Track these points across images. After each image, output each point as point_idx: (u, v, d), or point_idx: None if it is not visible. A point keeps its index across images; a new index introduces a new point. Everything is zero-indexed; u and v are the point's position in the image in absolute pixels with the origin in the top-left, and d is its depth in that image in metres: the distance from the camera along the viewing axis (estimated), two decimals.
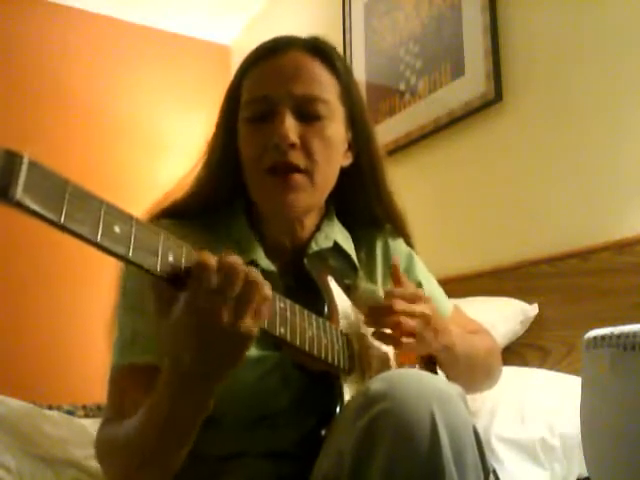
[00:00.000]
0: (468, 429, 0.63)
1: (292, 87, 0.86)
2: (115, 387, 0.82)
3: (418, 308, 0.84)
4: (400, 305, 0.83)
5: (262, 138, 0.86)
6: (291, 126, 0.84)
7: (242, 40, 3.79)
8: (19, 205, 0.47)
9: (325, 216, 0.97)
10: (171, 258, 0.59)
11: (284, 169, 0.84)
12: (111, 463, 0.77)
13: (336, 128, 0.89)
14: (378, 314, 0.84)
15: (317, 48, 0.91)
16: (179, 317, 0.61)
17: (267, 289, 0.64)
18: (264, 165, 0.85)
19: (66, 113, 3.29)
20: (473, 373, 1.00)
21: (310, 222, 0.93)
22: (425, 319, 0.84)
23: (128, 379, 0.80)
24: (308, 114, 0.86)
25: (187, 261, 0.60)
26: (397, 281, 0.89)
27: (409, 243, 1.06)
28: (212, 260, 0.60)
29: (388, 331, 0.84)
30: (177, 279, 0.59)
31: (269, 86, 0.87)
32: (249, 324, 0.62)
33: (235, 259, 0.61)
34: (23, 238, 2.83)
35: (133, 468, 0.72)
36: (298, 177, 0.85)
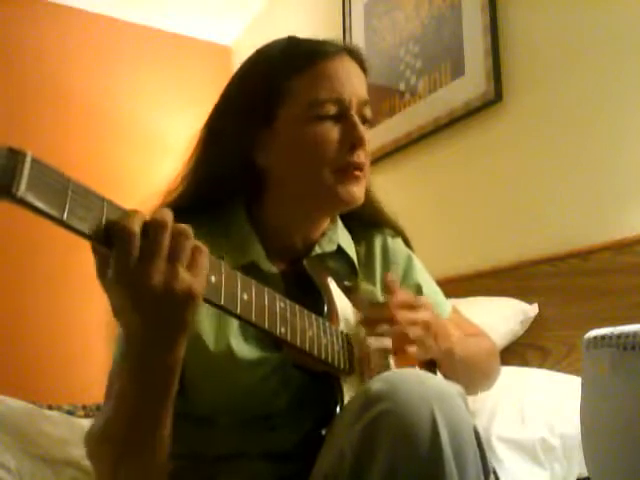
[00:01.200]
0: (469, 429, 0.63)
1: (357, 90, 0.90)
2: (113, 380, 0.82)
3: (419, 315, 0.84)
4: (402, 315, 0.83)
5: (336, 137, 0.88)
6: (364, 129, 0.89)
7: (243, 40, 3.79)
8: (22, 202, 0.47)
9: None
10: None
11: (354, 169, 0.88)
12: (97, 456, 0.76)
13: None
14: (380, 324, 0.84)
15: (357, 54, 0.94)
16: (111, 281, 0.58)
17: (198, 242, 0.61)
18: (337, 163, 0.88)
19: (66, 113, 3.29)
20: (472, 376, 1.00)
21: (326, 223, 0.96)
22: (426, 326, 0.84)
23: None
24: (365, 117, 0.91)
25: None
26: (390, 291, 0.88)
27: (407, 245, 1.06)
28: (135, 222, 0.56)
29: (389, 341, 0.83)
30: (109, 241, 0.56)
31: (338, 88, 0.89)
32: (185, 279, 0.58)
33: (162, 213, 0.58)
34: (23, 238, 2.84)
35: (116, 459, 0.70)
36: (361, 175, 0.90)
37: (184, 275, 0.58)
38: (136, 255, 0.56)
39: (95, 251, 0.59)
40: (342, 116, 0.88)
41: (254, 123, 0.90)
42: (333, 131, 0.88)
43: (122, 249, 0.56)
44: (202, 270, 0.61)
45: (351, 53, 0.93)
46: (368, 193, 0.98)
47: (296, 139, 0.89)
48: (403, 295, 0.87)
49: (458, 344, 0.91)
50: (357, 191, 0.89)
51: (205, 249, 0.62)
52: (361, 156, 0.89)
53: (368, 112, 0.92)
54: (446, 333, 0.89)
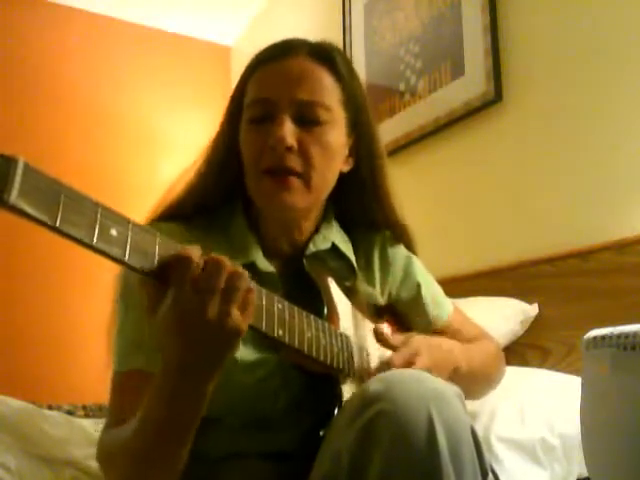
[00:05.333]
0: (466, 429, 0.63)
1: (294, 92, 0.86)
2: (117, 393, 0.82)
3: (418, 365, 0.82)
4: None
5: (261, 140, 0.86)
6: (289, 130, 0.84)
7: (242, 40, 3.79)
8: (14, 209, 0.47)
9: (324, 219, 0.97)
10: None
11: (280, 171, 0.85)
12: (113, 470, 0.77)
13: (336, 134, 0.89)
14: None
15: (322, 53, 0.91)
16: (165, 314, 0.60)
17: (251, 282, 0.63)
18: (261, 166, 0.86)
19: (66, 113, 3.29)
20: (475, 385, 1.01)
21: (307, 225, 0.94)
22: (428, 370, 0.83)
23: (131, 385, 0.79)
24: (308, 119, 0.87)
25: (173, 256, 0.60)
26: (386, 345, 0.87)
27: (410, 248, 1.06)
28: (195, 253, 0.60)
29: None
30: (163, 275, 0.59)
31: (271, 89, 0.87)
32: (236, 319, 0.61)
33: (219, 256, 0.61)
34: (23, 238, 2.84)
35: (135, 473, 0.71)
36: (294, 180, 0.85)
37: (236, 314, 0.61)
38: (194, 287, 0.59)
39: (146, 287, 0.61)
40: (270, 118, 0.86)
41: (235, 126, 0.91)
42: (258, 134, 0.86)
43: (180, 282, 0.59)
44: (252, 308, 0.64)
45: (315, 54, 0.90)
46: (366, 196, 0.98)
47: (241, 143, 0.90)
48: (396, 345, 0.85)
49: (462, 359, 0.91)
50: (281, 198, 0.85)
51: (255, 287, 0.64)
52: (283, 158, 0.84)
53: (315, 114, 0.87)
54: (448, 358, 0.89)
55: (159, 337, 0.63)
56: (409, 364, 0.82)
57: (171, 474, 0.71)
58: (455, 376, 0.90)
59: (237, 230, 0.92)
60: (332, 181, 0.92)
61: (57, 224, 0.50)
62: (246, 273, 0.62)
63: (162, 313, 0.60)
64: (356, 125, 0.94)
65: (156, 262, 0.58)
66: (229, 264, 0.61)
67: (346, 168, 0.94)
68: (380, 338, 0.87)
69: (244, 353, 0.83)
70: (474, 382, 0.97)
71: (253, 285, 0.64)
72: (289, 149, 0.84)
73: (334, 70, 0.90)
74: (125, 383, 0.81)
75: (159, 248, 0.59)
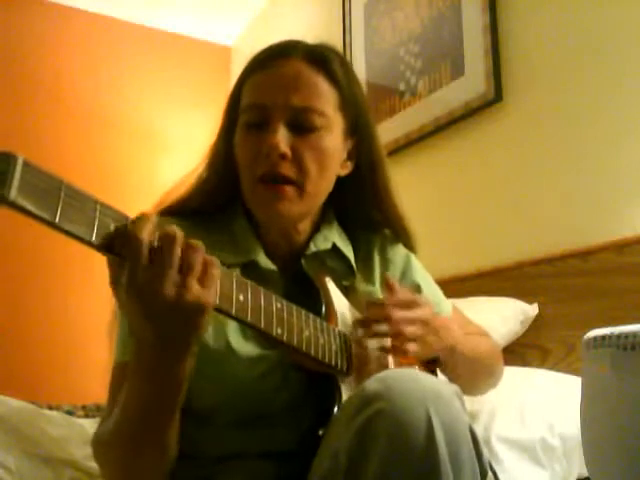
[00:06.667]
0: (464, 429, 0.63)
1: (288, 97, 0.85)
2: (114, 385, 0.82)
3: (417, 313, 0.84)
4: (398, 314, 0.82)
5: (255, 146, 0.86)
6: (283, 137, 0.84)
7: (242, 40, 3.79)
8: (13, 205, 0.48)
9: (323, 219, 0.96)
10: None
11: (274, 179, 0.85)
12: (106, 459, 0.77)
13: (332, 140, 0.89)
14: (377, 324, 0.83)
15: (318, 57, 0.90)
16: (124, 291, 0.60)
17: (210, 257, 0.63)
18: (256, 173, 0.86)
19: (66, 113, 3.29)
20: (475, 373, 1.00)
21: (304, 226, 0.93)
22: (425, 323, 0.84)
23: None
24: (303, 125, 0.86)
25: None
26: (390, 290, 0.88)
27: (411, 248, 1.05)
28: (145, 231, 0.58)
29: (388, 341, 0.83)
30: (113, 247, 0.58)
31: (266, 95, 0.87)
32: (197, 293, 0.60)
33: (172, 229, 0.60)
34: (23, 237, 2.84)
35: (124, 458, 0.72)
36: (288, 189, 0.85)
37: (195, 286, 0.60)
38: (146, 263, 0.58)
39: (108, 260, 0.61)
40: (264, 124, 0.85)
41: (233, 129, 0.91)
42: (252, 140, 0.86)
43: (132, 257, 0.58)
44: (214, 282, 0.63)
45: (310, 58, 0.89)
46: (366, 197, 0.98)
47: (236, 149, 0.90)
48: (400, 294, 0.86)
49: (460, 340, 0.91)
50: (275, 208, 0.85)
51: (216, 261, 0.63)
52: (277, 166, 0.84)
53: (310, 120, 0.86)
54: (448, 328, 0.88)
55: (125, 313, 0.63)
56: (408, 306, 0.83)
57: (160, 462, 0.71)
58: (451, 355, 0.90)
59: (239, 230, 0.92)
60: (328, 187, 0.92)
61: (57, 221, 0.50)
62: (201, 245, 0.62)
63: (122, 289, 0.60)
64: (355, 128, 0.93)
65: (107, 234, 0.56)
66: (182, 238, 0.60)
67: (344, 172, 0.94)
68: (389, 286, 0.87)
69: (247, 348, 0.83)
70: (471, 367, 0.97)
71: (214, 259, 0.63)
72: (283, 156, 0.84)
73: (330, 74, 0.89)
74: (122, 375, 0.81)
75: None
